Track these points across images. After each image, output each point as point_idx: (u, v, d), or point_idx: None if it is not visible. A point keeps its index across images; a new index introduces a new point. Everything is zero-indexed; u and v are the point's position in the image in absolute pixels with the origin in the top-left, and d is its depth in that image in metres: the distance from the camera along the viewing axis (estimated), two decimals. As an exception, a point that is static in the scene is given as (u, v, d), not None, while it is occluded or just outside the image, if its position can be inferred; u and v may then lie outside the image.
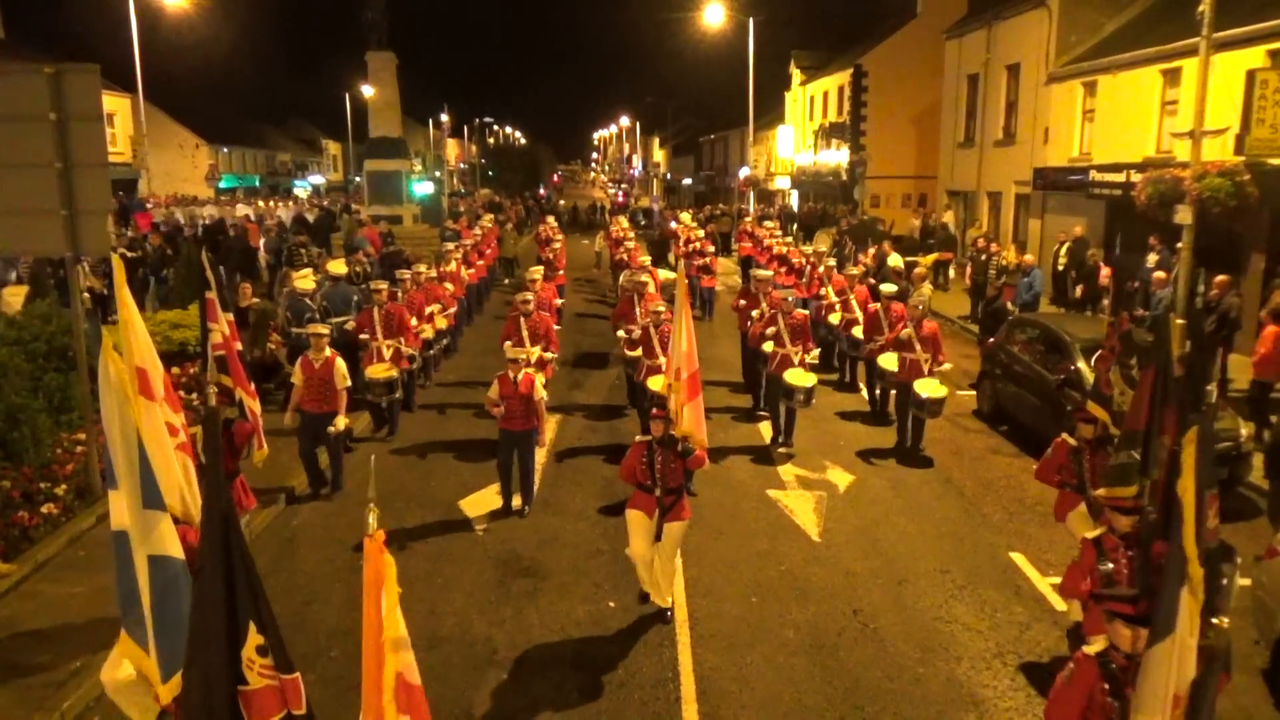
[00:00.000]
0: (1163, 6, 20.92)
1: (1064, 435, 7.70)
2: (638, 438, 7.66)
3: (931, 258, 23.52)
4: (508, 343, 10.72)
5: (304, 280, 13.38)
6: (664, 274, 15.34)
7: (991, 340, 13.75)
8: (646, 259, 17.62)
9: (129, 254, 18.28)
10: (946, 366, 11.65)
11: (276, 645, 3.48)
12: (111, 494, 4.48)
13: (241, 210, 34.71)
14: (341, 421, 9.89)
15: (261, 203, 40.45)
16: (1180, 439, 4.75)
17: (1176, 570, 4.12)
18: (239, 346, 8.34)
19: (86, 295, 7.88)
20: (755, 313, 12.85)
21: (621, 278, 16.53)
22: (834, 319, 14.81)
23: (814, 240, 20.59)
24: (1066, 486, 7.47)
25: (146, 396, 5.93)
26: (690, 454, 7.41)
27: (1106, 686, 4.47)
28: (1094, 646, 4.62)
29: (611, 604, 7.86)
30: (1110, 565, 5.82)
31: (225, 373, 7.76)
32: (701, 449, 7.56)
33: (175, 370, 11.60)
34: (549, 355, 11.68)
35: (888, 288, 13.82)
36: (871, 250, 21.44)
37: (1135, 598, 4.68)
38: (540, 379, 10.05)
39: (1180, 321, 14.25)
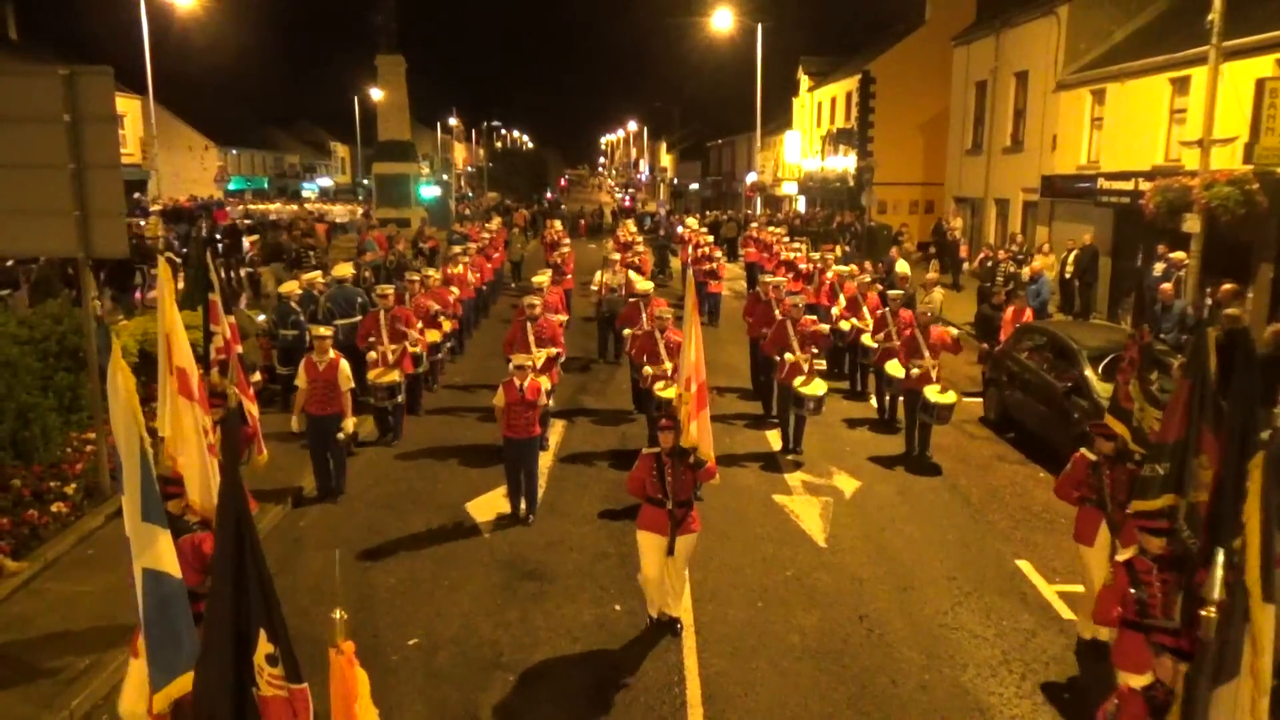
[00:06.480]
0: (1172, 14, 20.92)
1: (1083, 450, 7.43)
2: (645, 450, 7.58)
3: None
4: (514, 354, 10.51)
5: (288, 285, 13.63)
6: (641, 283, 15.00)
7: (986, 346, 13.76)
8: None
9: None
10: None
11: (287, 655, 3.44)
12: (124, 497, 4.47)
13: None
14: (350, 424, 9.91)
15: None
16: (1224, 462, 4.44)
17: (1239, 606, 3.77)
18: (239, 349, 8.40)
19: (96, 303, 7.93)
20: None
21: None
22: (845, 326, 14.80)
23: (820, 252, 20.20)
24: (1087, 502, 7.30)
25: (186, 396, 6.00)
26: (702, 466, 7.30)
27: None
28: (1139, 680, 4.52)
29: (617, 608, 7.86)
30: (1145, 591, 5.62)
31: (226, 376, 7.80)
32: (711, 462, 7.44)
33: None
34: (554, 350, 11.50)
35: (894, 293, 13.83)
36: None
37: (1178, 630, 4.60)
38: (546, 383, 10.01)
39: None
